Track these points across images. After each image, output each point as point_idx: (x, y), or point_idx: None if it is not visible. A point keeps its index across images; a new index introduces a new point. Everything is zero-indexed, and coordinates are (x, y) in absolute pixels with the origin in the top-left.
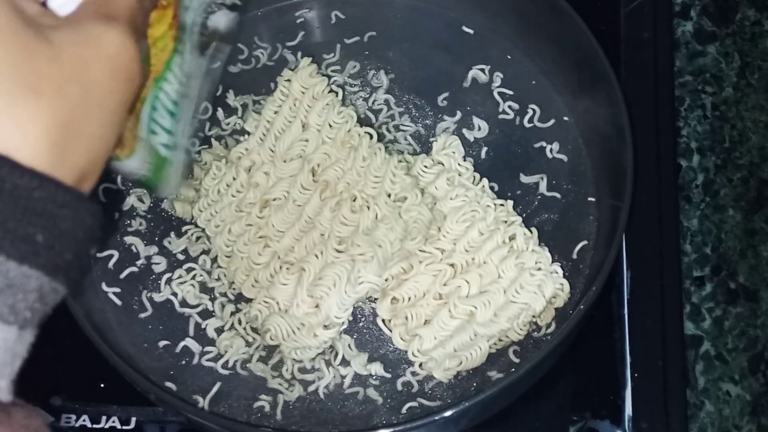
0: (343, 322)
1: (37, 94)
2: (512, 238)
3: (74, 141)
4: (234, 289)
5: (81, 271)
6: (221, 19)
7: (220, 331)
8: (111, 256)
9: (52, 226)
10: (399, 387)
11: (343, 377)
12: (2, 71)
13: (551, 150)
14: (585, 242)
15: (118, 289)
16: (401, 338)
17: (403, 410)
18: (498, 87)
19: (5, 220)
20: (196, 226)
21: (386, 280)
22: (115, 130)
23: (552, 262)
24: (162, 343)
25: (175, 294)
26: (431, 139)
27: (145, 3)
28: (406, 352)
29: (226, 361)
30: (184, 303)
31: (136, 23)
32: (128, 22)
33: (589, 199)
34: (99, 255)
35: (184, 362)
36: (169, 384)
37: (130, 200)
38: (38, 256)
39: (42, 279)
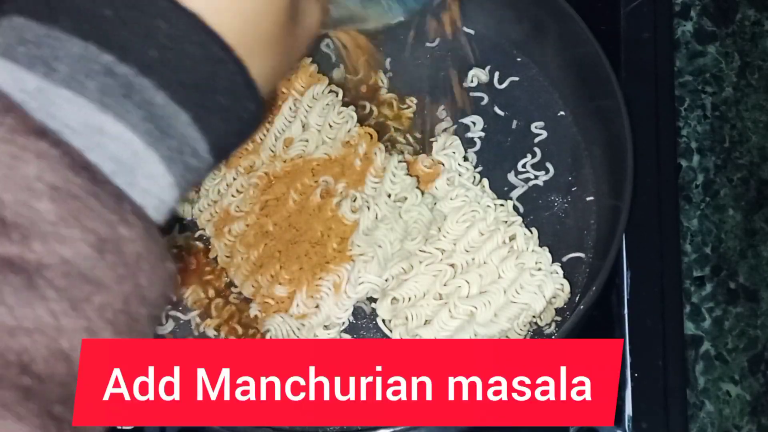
0: (343, 322)
1: (271, 54)
2: (512, 238)
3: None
4: (234, 288)
5: (219, 163)
6: None
7: (218, 331)
8: None
9: (233, 111)
10: None
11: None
12: (263, 35)
13: (551, 150)
14: (585, 242)
15: None
16: (401, 338)
17: None
18: (498, 87)
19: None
20: (196, 225)
21: (386, 280)
22: (284, 76)
23: (552, 262)
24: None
25: (172, 296)
26: (431, 139)
27: None
28: None
29: None
30: (183, 304)
31: None
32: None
33: (589, 198)
34: None
35: None
36: None
37: None
38: (211, 128)
39: (206, 153)
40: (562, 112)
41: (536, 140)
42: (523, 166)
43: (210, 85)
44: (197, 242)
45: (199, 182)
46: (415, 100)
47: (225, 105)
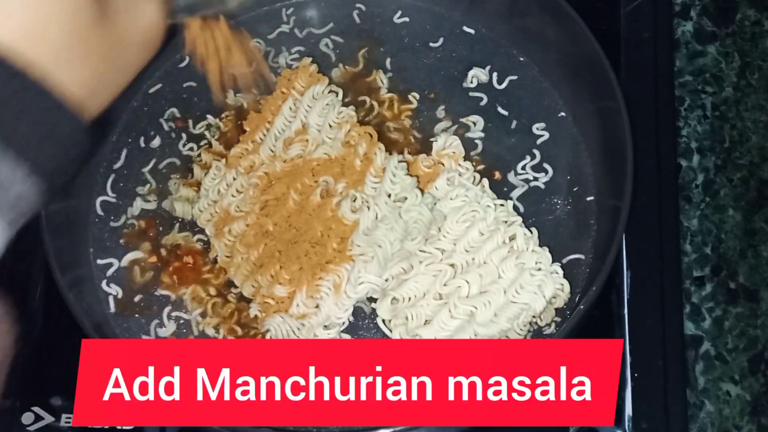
0: (343, 323)
1: (86, 59)
2: (512, 238)
3: (96, 90)
4: (234, 288)
5: (64, 180)
6: None
7: (217, 330)
8: (111, 264)
9: (49, 134)
10: None
11: None
12: (63, 41)
13: (551, 150)
14: (585, 242)
15: (119, 289)
16: (401, 338)
17: None
18: (498, 87)
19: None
20: (196, 225)
21: (386, 280)
22: (129, 79)
23: (552, 262)
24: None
25: (170, 296)
26: (431, 139)
27: None
28: None
29: None
30: (184, 305)
31: None
32: (163, 3)
33: (589, 199)
34: (100, 262)
35: None
36: None
37: (138, 204)
38: (30, 155)
39: (31, 179)
40: (562, 113)
41: (537, 141)
42: (523, 167)
43: (8, 108)
44: (197, 243)
45: (40, 210)
46: (417, 96)
47: (34, 126)
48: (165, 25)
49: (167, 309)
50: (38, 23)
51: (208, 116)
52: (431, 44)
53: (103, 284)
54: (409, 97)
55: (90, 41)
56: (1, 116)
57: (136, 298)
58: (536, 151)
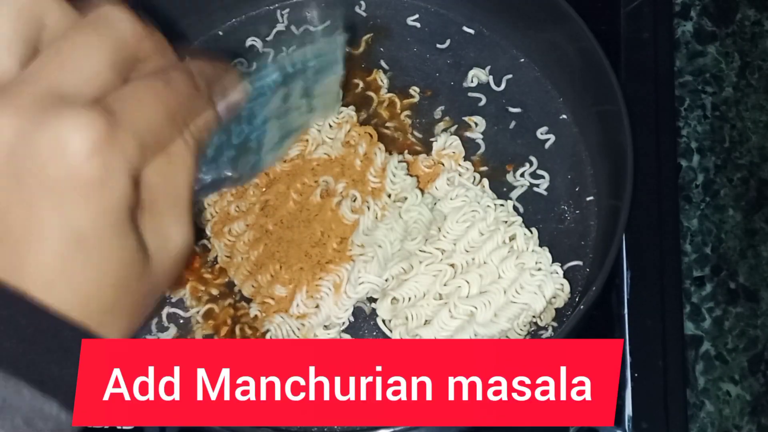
0: (343, 323)
1: (129, 306)
2: (512, 238)
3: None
4: (235, 289)
5: None
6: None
7: (218, 331)
8: None
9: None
10: None
11: None
12: (111, 302)
13: (551, 150)
14: (585, 242)
15: None
16: (401, 338)
17: None
18: (498, 87)
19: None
20: (197, 226)
21: (386, 280)
22: (161, 295)
23: (552, 262)
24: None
25: (171, 297)
26: (431, 139)
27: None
28: None
29: None
30: (183, 304)
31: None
32: (190, 212)
33: (589, 199)
34: None
35: None
36: None
37: None
38: (64, 393)
39: (62, 414)
40: (563, 114)
41: (536, 140)
42: (523, 170)
43: (55, 355)
44: (197, 245)
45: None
46: (417, 89)
47: (71, 368)
48: (194, 237)
49: (167, 309)
50: (91, 294)
51: None
52: (431, 44)
53: None
54: (410, 91)
55: (134, 291)
56: (42, 362)
57: None
58: (535, 151)
